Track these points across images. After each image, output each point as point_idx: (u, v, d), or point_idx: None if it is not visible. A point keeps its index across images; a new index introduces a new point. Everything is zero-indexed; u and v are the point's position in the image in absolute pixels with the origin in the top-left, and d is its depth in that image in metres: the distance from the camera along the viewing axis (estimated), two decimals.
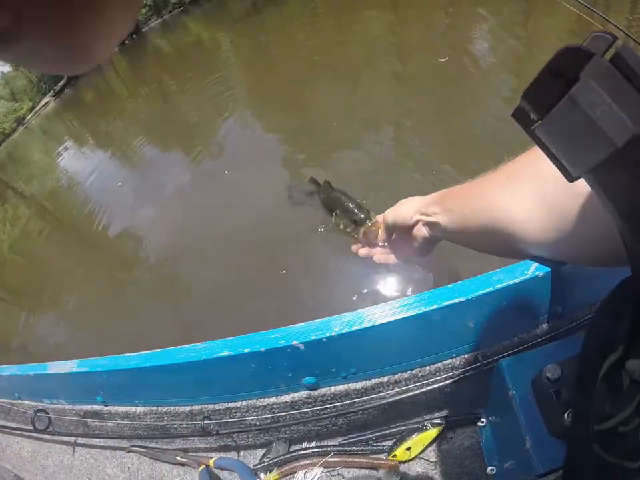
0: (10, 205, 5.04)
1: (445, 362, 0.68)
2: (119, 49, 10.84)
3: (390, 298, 0.93)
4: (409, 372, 0.68)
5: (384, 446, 0.73)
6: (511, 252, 0.50)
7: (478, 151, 1.43)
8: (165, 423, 0.74)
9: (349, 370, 0.64)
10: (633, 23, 2.19)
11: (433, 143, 1.55)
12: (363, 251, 0.82)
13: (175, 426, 0.74)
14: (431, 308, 0.60)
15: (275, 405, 0.66)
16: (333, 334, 0.59)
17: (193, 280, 1.59)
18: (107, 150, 4.05)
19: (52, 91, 16.61)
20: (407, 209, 0.68)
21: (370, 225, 0.83)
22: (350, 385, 0.66)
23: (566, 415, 0.44)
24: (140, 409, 0.76)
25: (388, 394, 0.68)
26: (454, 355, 0.68)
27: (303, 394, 0.65)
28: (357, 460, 0.71)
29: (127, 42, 11.47)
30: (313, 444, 0.75)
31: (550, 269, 0.58)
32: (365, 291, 0.92)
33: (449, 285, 0.63)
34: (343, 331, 0.59)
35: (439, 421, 0.73)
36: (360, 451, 0.72)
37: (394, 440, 0.72)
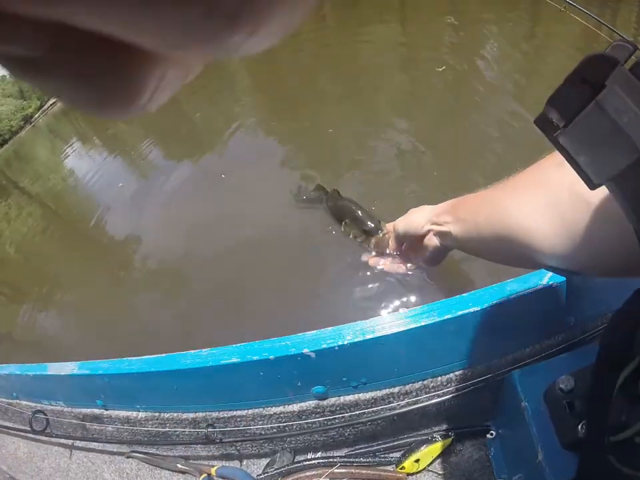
0: (14, 202, 4.98)
1: (456, 372, 0.65)
2: None
3: (401, 306, 0.89)
4: (420, 382, 0.64)
5: (392, 457, 0.69)
6: (523, 262, 0.48)
7: (485, 159, 1.40)
8: (167, 429, 0.70)
9: (359, 379, 0.61)
10: None
11: (440, 152, 1.52)
12: (373, 260, 0.80)
13: (177, 433, 0.70)
14: (445, 317, 0.58)
15: (282, 414, 0.62)
16: (345, 342, 0.55)
17: (194, 281, 1.55)
18: (112, 151, 3.96)
19: None
20: (418, 219, 0.66)
21: (381, 235, 0.79)
22: (360, 394, 0.62)
23: (579, 426, 0.43)
24: (141, 414, 0.72)
25: (398, 404, 0.65)
26: (466, 366, 0.65)
27: (311, 403, 0.62)
28: (363, 472, 0.68)
29: None
30: (319, 454, 0.71)
31: (564, 279, 0.56)
32: (375, 299, 0.88)
33: (463, 295, 0.60)
34: (356, 340, 0.56)
35: (447, 433, 0.70)
36: (367, 462, 0.69)
37: (402, 452, 0.69)
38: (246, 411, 0.63)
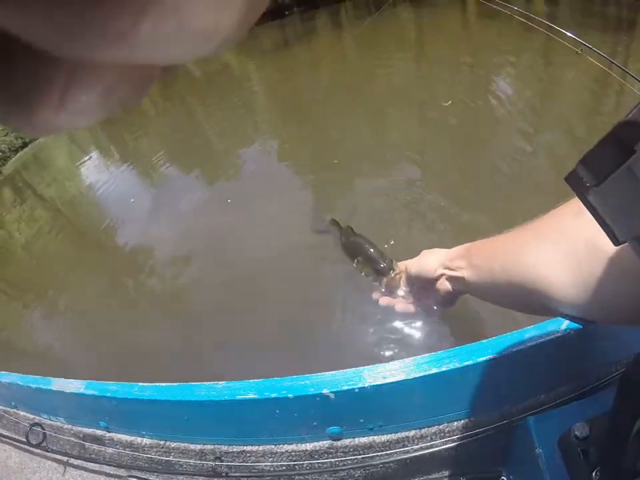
0: (28, 205, 4.95)
1: (472, 418, 0.62)
2: None
3: (411, 347, 0.85)
4: (435, 427, 0.61)
5: None
6: (537, 309, 0.47)
7: (500, 199, 1.39)
8: (171, 458, 0.65)
9: (376, 422, 0.57)
10: None
11: (454, 190, 1.50)
12: (384, 300, 0.77)
13: (181, 463, 0.65)
14: (465, 364, 0.55)
15: (294, 453, 0.58)
16: (365, 385, 0.52)
17: (199, 304, 1.49)
18: (128, 164, 3.93)
19: None
20: (431, 262, 0.64)
21: (393, 275, 0.77)
22: (375, 437, 0.58)
23: (594, 473, 0.41)
24: (146, 441, 0.67)
25: (412, 448, 0.61)
26: (482, 411, 0.61)
27: (324, 443, 0.57)
28: None
29: None
30: None
31: (581, 326, 0.54)
32: (384, 339, 0.84)
33: (482, 341, 0.58)
34: (376, 383, 0.53)
35: (459, 478, 0.65)
36: None
37: None
38: (257, 446, 0.58)
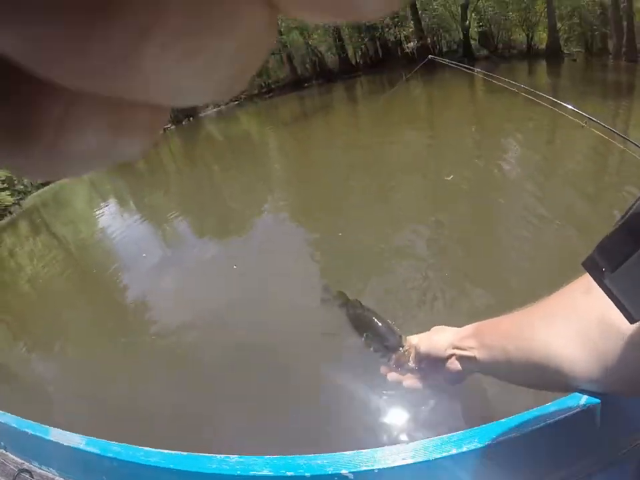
0: (41, 241, 4.96)
1: None
2: (175, 127, 11.34)
3: (419, 423, 0.81)
4: None
5: None
6: (551, 386, 0.47)
7: (510, 274, 1.38)
8: None
9: None
10: None
11: (463, 264, 1.51)
12: (392, 376, 0.75)
13: None
14: (486, 443, 0.53)
15: None
16: (385, 465, 0.49)
17: (201, 365, 1.42)
18: (144, 218, 3.93)
19: None
20: (441, 341, 0.64)
21: (402, 351, 0.75)
22: None
23: None
24: None
25: None
26: None
27: None
28: None
29: (183, 122, 11.96)
30: None
31: (599, 401, 0.53)
32: (393, 416, 0.80)
33: (502, 420, 0.56)
34: (395, 464, 0.50)
35: None
36: None
37: None
38: None
